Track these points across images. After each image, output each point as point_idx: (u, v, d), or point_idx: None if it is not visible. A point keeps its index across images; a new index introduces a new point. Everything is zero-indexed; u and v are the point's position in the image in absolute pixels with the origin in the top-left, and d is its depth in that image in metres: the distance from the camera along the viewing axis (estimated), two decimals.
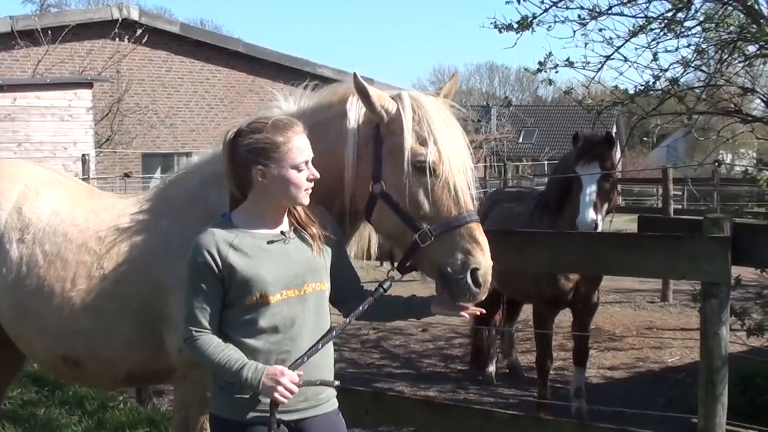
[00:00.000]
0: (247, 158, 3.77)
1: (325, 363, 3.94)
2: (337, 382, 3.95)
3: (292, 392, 3.65)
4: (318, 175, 3.80)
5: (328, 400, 3.95)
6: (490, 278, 3.96)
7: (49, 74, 24.51)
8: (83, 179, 15.30)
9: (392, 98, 4.10)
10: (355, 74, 4.02)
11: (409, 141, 3.97)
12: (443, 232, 3.94)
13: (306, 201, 3.82)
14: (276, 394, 3.62)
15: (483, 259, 3.92)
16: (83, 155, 18.19)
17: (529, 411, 8.01)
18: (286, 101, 4.44)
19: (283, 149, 3.73)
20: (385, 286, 4.05)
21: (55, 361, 4.97)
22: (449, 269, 3.92)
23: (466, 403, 8.47)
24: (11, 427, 7.76)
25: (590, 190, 7.32)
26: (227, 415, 3.81)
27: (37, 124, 20.44)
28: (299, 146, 3.75)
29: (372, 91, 4.04)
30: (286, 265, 3.80)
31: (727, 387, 4.67)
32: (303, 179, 3.75)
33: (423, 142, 3.97)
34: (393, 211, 4.01)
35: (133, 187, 22.45)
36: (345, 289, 4.11)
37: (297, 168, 3.73)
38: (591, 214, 7.23)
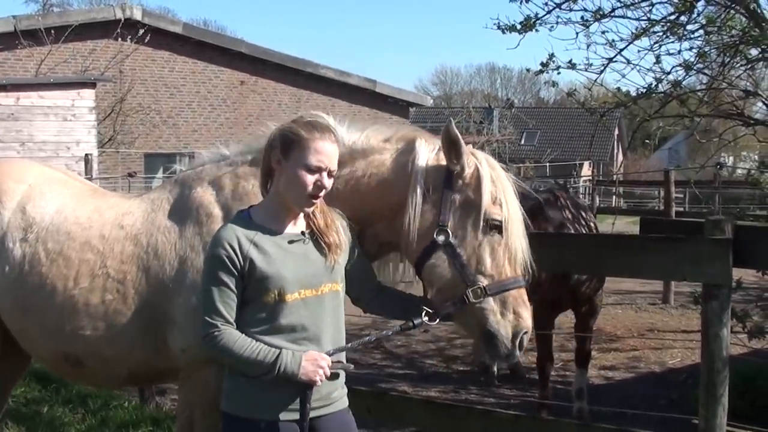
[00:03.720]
0: (273, 142, 3.87)
1: (339, 357, 3.97)
2: (351, 366, 4.00)
3: (327, 376, 3.77)
4: (329, 187, 3.83)
5: (340, 399, 4.00)
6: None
7: (52, 74, 24.53)
8: (86, 179, 15.34)
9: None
10: (450, 121, 4.11)
11: (488, 198, 4.07)
12: (497, 291, 4.06)
13: (308, 208, 3.84)
14: (317, 377, 3.71)
15: (529, 322, 4.10)
16: (86, 155, 18.21)
17: (530, 411, 8.03)
18: (341, 128, 4.43)
19: (302, 145, 3.76)
20: (415, 322, 4.13)
21: (57, 358, 4.98)
22: (499, 330, 4.05)
23: (468, 404, 8.49)
24: (15, 425, 7.78)
25: None
26: (241, 413, 3.82)
27: (40, 124, 20.45)
28: (318, 149, 3.76)
29: (463, 142, 4.13)
30: (304, 265, 3.83)
31: (728, 389, 4.69)
32: (310, 182, 3.75)
33: (497, 202, 4.09)
34: (453, 262, 4.08)
35: (135, 187, 22.50)
36: (364, 289, 4.21)
37: (308, 169, 3.75)
38: None
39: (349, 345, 3.99)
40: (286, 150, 3.81)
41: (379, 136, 4.42)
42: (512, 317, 4.05)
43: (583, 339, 8.35)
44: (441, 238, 4.08)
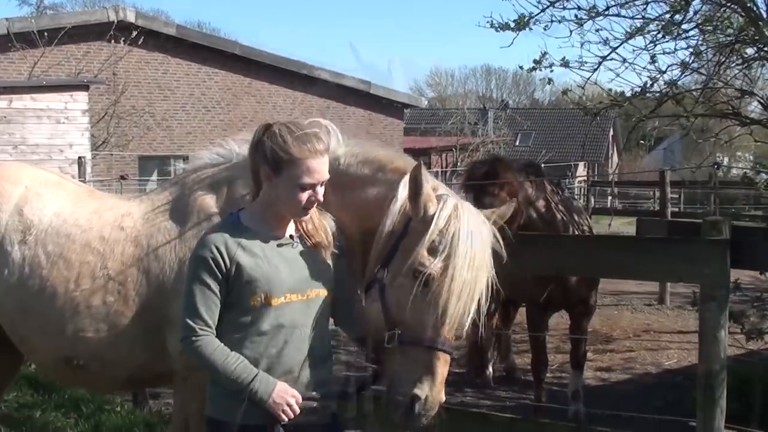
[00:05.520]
0: (264, 158, 3.77)
1: (327, 377, 3.99)
2: (333, 407, 3.98)
3: (294, 414, 3.69)
4: (321, 198, 3.77)
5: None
6: (431, 411, 3.83)
7: (45, 76, 24.46)
8: (80, 182, 15.28)
9: (438, 199, 3.97)
10: (417, 165, 3.93)
11: (422, 247, 3.84)
12: (408, 343, 3.83)
13: (307, 218, 3.84)
14: (281, 413, 3.67)
15: (430, 392, 3.80)
16: (79, 158, 18.12)
17: (526, 414, 7.99)
18: (337, 141, 4.37)
19: (295, 165, 3.69)
20: (361, 379, 4.15)
21: (57, 362, 4.94)
22: (396, 383, 3.86)
23: (464, 407, 8.44)
24: (7, 430, 7.73)
25: None
26: (223, 417, 3.78)
27: (33, 127, 20.40)
28: (311, 168, 3.70)
29: (426, 189, 3.93)
30: (292, 269, 3.80)
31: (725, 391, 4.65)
32: (304, 199, 3.72)
33: (433, 253, 3.85)
34: (381, 301, 3.91)
35: (129, 190, 22.40)
36: (340, 303, 4.08)
37: (302, 188, 3.71)
38: None
39: (316, 395, 3.86)
40: (276, 168, 3.73)
41: (374, 164, 4.31)
42: (411, 378, 3.81)
43: (577, 340, 8.32)
44: (380, 275, 3.94)
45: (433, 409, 3.84)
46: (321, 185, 3.78)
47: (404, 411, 3.82)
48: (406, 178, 4.01)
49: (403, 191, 4.03)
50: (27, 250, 4.90)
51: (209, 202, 4.58)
